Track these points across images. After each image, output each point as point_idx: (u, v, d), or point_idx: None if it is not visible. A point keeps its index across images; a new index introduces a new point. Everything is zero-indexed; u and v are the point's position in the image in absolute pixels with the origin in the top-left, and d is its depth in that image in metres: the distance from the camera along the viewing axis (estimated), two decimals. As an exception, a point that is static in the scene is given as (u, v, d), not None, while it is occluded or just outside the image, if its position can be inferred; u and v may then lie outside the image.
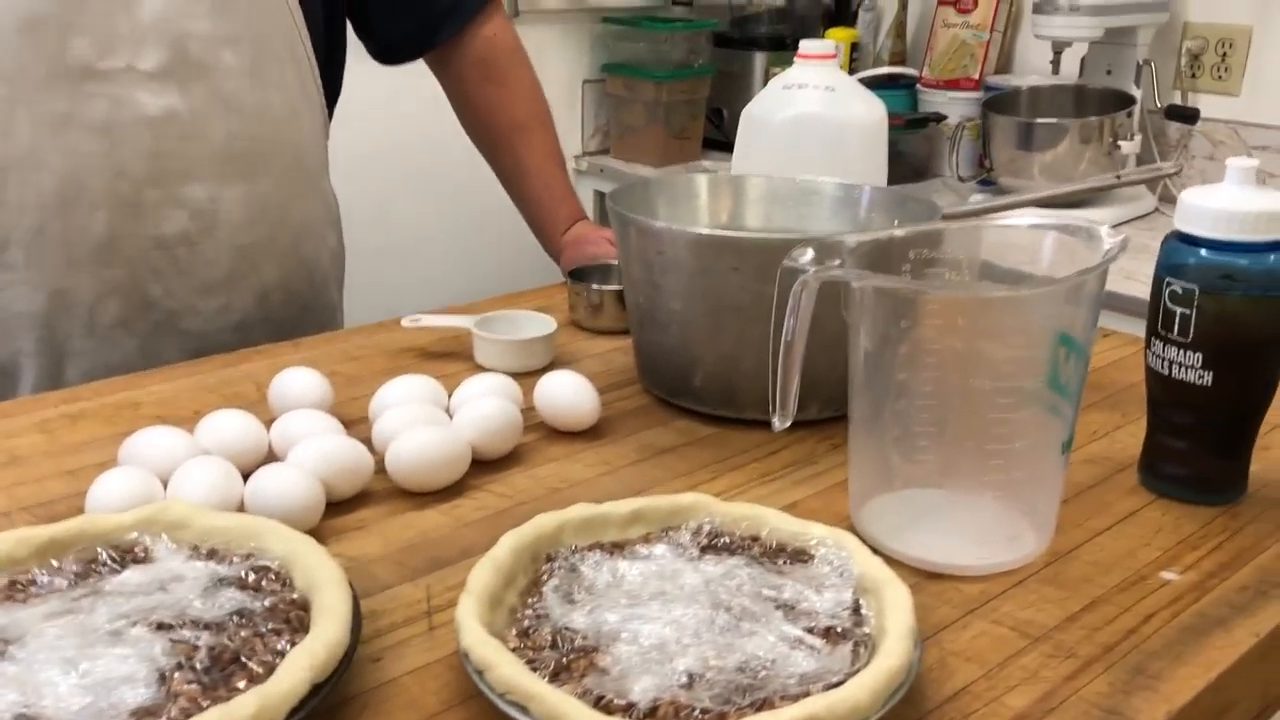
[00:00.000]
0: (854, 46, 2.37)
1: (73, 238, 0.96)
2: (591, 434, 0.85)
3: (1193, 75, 2.02)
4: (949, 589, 0.65)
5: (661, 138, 2.29)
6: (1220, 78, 1.98)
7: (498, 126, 1.20)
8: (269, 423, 0.79)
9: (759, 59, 2.34)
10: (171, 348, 1.02)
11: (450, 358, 0.99)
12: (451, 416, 0.81)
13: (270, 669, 0.52)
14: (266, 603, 0.57)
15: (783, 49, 2.34)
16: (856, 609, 0.58)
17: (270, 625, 0.56)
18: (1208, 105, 1.98)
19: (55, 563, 0.61)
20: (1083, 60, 2.02)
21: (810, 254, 0.66)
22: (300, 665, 0.51)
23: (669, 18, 2.34)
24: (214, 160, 1.00)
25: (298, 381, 0.84)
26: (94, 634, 0.54)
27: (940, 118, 2.15)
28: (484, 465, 0.79)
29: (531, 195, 1.22)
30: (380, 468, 0.76)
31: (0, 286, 0.96)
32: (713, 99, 2.35)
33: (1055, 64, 1.97)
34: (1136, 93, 1.92)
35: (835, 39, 2.37)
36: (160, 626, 0.55)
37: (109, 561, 0.61)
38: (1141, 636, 0.61)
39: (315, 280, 1.13)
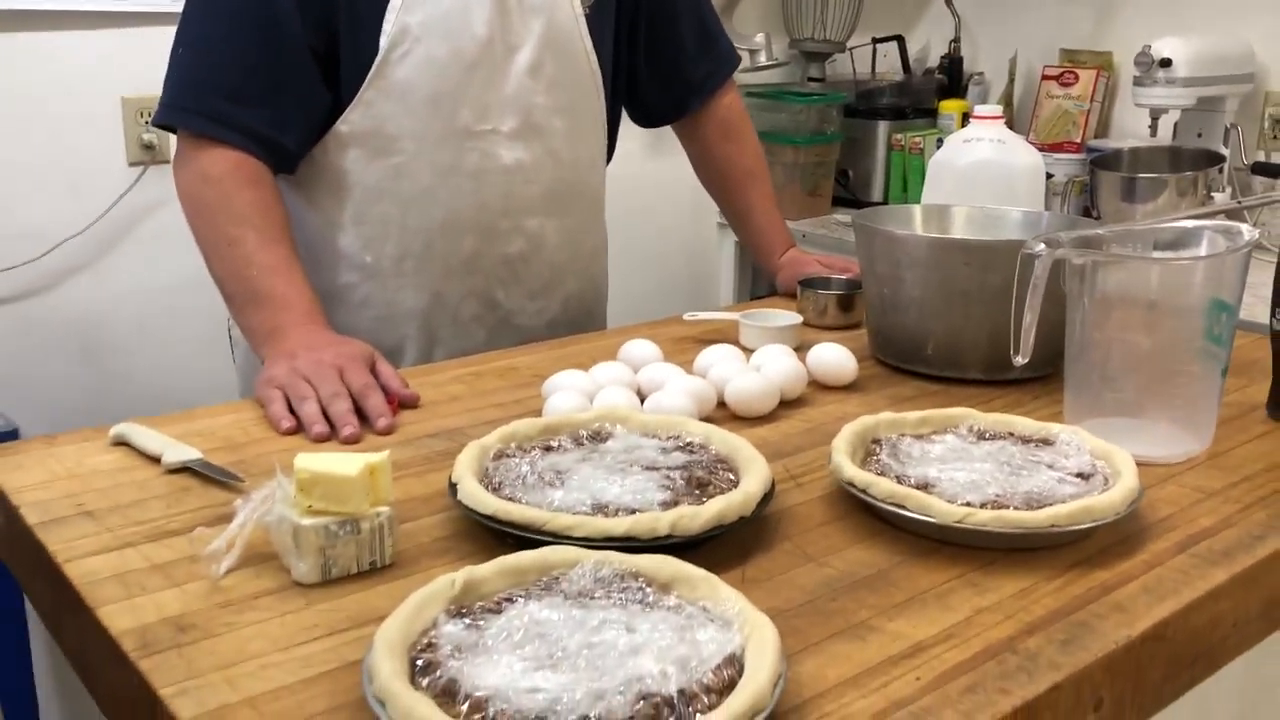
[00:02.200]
0: (964, 116, 2.70)
1: (449, 254, 1.30)
2: (849, 389, 1.16)
3: (1274, 137, 2.31)
4: (1144, 470, 0.94)
5: (798, 195, 2.62)
6: (1299, 139, 2.28)
7: (732, 175, 1.54)
8: (629, 374, 1.11)
9: (882, 127, 2.68)
10: (507, 339, 1.35)
11: (717, 345, 1.30)
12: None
13: (729, 488, 0.83)
14: (706, 456, 0.89)
15: (903, 118, 2.68)
16: (1093, 467, 0.88)
17: (716, 467, 0.87)
18: (1288, 162, 2.27)
19: (555, 440, 0.93)
20: (1175, 125, 2.32)
21: (1042, 245, 0.97)
22: (757, 481, 0.83)
23: (805, 92, 2.70)
24: (543, 199, 1.34)
25: (641, 348, 1.17)
26: (611, 469, 0.86)
27: (1047, 176, 2.46)
28: (783, 404, 1.11)
29: (756, 227, 1.54)
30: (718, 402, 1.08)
31: (396, 289, 1.30)
32: (841, 161, 2.69)
33: (1153, 128, 2.27)
34: (1225, 152, 2.22)
35: (948, 110, 2.72)
36: (646, 468, 0.87)
37: (589, 438, 0.93)
38: (1285, 493, 0.91)
39: (598, 293, 1.47)
